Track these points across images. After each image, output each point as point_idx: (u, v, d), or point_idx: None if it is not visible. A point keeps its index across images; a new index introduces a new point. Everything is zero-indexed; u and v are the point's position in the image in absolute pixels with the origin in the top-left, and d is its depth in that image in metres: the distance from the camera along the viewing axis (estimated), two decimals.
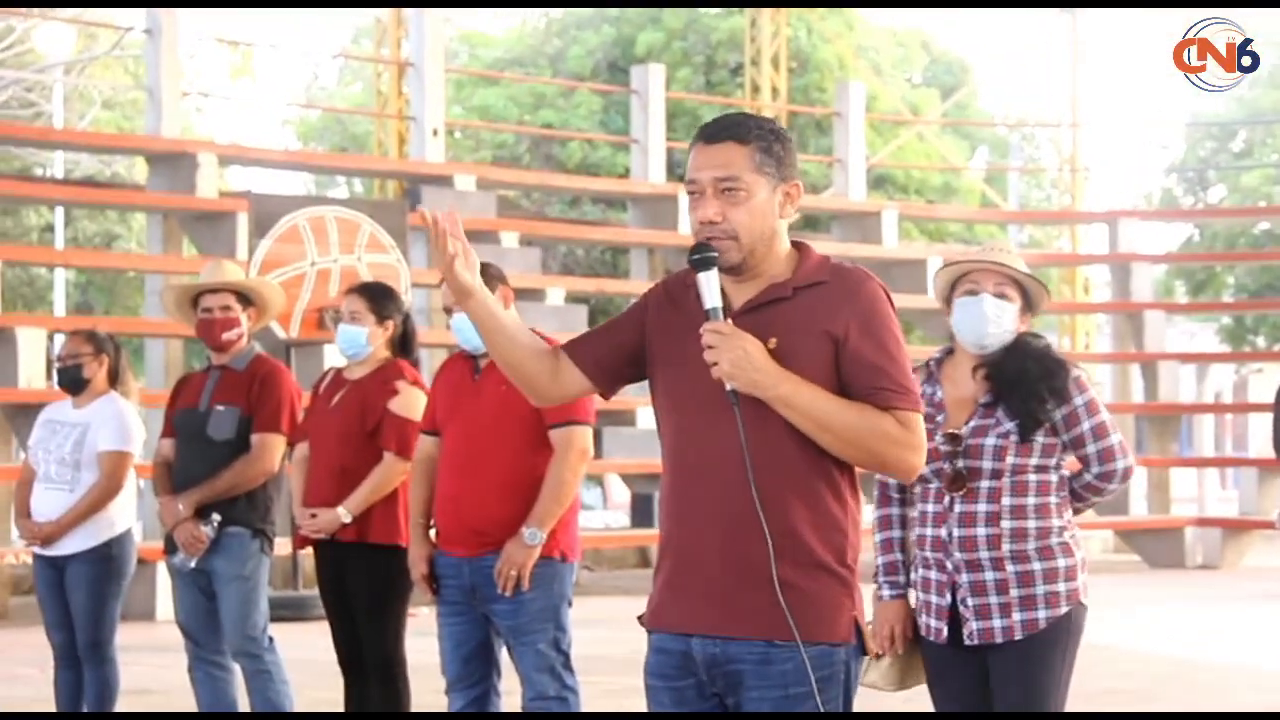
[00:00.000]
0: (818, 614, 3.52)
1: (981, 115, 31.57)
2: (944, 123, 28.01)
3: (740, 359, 3.48)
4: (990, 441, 4.76)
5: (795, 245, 3.67)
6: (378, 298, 6.86)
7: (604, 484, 28.61)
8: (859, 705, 3.71)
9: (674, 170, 21.03)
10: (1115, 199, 29.58)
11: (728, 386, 3.50)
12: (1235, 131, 33.26)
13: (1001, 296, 4.85)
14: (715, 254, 3.54)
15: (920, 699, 5.11)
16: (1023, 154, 32.23)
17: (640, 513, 17.02)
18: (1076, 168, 24.57)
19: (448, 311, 6.09)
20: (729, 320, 3.54)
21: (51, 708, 7.36)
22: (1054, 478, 4.82)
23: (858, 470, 3.65)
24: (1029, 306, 4.91)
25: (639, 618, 3.71)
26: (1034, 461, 4.77)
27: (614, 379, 3.76)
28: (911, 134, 26.59)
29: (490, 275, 6.06)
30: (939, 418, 4.85)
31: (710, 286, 3.54)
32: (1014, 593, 4.72)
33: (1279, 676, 10.43)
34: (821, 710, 3.47)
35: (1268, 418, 6.27)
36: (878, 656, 4.92)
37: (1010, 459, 4.74)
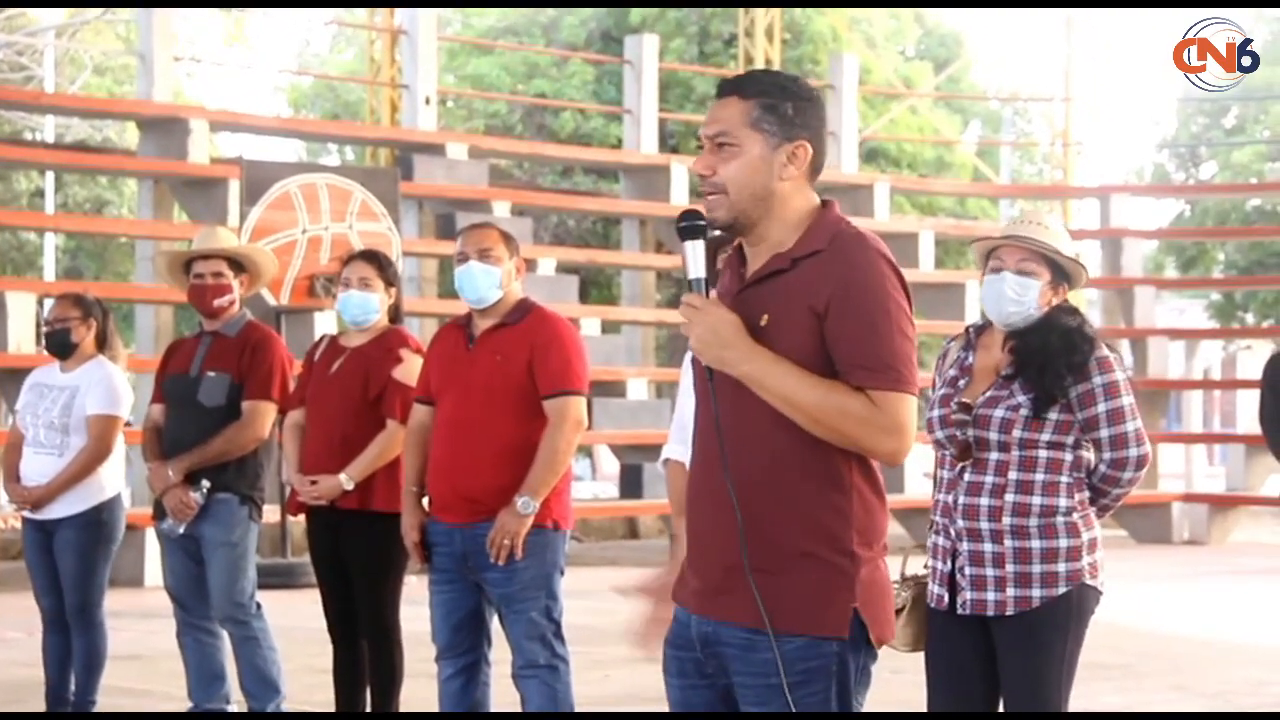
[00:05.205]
0: (802, 605, 3.41)
1: (974, 89, 31.51)
2: (937, 96, 27.96)
3: (705, 334, 3.39)
4: (998, 413, 4.72)
5: (823, 205, 3.52)
6: (385, 265, 6.83)
7: (593, 455, 28.61)
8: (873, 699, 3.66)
9: (666, 141, 20.98)
10: (1107, 174, 29.63)
11: (702, 363, 3.44)
12: (1227, 108, 33.23)
13: (1025, 273, 4.78)
14: (702, 223, 3.47)
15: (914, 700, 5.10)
16: (1015, 128, 32.18)
17: (629, 484, 17.00)
18: (1068, 142, 24.57)
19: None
20: (713, 293, 3.46)
21: (40, 672, 7.36)
22: (1068, 457, 4.76)
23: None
24: (1064, 279, 4.83)
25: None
26: (1045, 438, 4.72)
27: None
28: (904, 107, 26.55)
29: (509, 243, 6.08)
30: (961, 383, 4.84)
31: (695, 257, 3.46)
32: (1009, 568, 4.69)
33: (1265, 652, 10.47)
34: (791, 705, 3.39)
35: (1256, 394, 6.26)
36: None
37: (1018, 432, 4.70)
